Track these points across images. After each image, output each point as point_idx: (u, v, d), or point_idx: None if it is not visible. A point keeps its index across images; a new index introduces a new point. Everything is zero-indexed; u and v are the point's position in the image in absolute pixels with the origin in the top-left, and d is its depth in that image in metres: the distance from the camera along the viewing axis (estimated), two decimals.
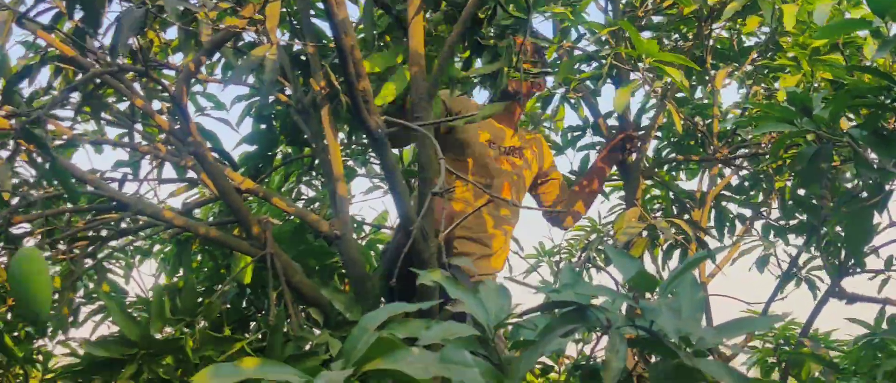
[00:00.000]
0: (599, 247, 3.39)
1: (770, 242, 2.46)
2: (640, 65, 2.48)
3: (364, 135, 3.00)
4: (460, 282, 1.06)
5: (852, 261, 2.52)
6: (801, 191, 2.75)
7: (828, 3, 2.20)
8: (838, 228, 2.52)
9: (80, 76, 2.34)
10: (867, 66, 2.00)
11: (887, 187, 2.12)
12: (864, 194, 2.21)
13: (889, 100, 1.94)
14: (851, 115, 2.25)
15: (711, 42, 2.87)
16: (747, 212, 3.27)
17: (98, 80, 2.48)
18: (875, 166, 2.06)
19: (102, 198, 2.34)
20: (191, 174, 2.67)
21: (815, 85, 2.45)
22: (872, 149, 2.00)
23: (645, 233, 2.66)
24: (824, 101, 1.98)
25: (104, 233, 2.74)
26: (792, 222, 2.92)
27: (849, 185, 2.54)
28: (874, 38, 1.90)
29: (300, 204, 3.37)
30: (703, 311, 1.09)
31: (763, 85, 2.92)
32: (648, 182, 3.49)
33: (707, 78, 2.90)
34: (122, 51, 1.80)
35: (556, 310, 0.97)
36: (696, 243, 2.64)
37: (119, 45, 1.82)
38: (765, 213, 3.16)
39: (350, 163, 3.42)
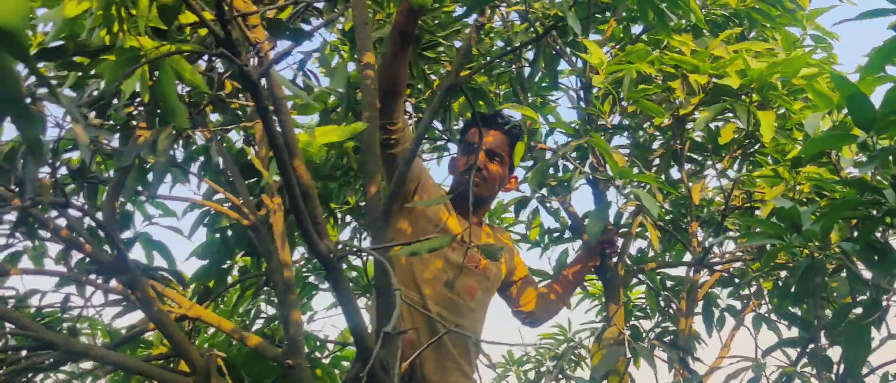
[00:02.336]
0: (572, 356, 3.19)
1: (759, 363, 2.24)
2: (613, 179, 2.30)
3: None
4: None
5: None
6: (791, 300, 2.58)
7: (819, 114, 2.06)
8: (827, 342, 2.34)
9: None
10: (854, 180, 1.86)
11: (884, 302, 1.99)
12: (860, 310, 2.07)
13: (880, 214, 1.82)
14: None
15: (690, 129, 2.71)
16: (737, 305, 3.07)
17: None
18: (869, 281, 1.94)
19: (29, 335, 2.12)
20: None
21: (797, 189, 2.28)
22: (865, 265, 1.88)
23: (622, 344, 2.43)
24: (814, 215, 1.85)
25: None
26: (783, 322, 2.73)
27: (846, 300, 2.36)
28: (861, 151, 1.78)
29: (260, 323, 3.14)
30: None
31: (743, 188, 2.74)
32: (634, 280, 3.30)
33: (687, 181, 2.73)
34: (32, 187, 1.61)
35: None
36: (678, 364, 2.43)
37: (28, 183, 1.64)
38: (755, 307, 2.96)
39: (312, 278, 3.21)
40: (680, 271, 3.22)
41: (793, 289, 2.11)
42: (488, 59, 2.59)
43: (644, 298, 3.54)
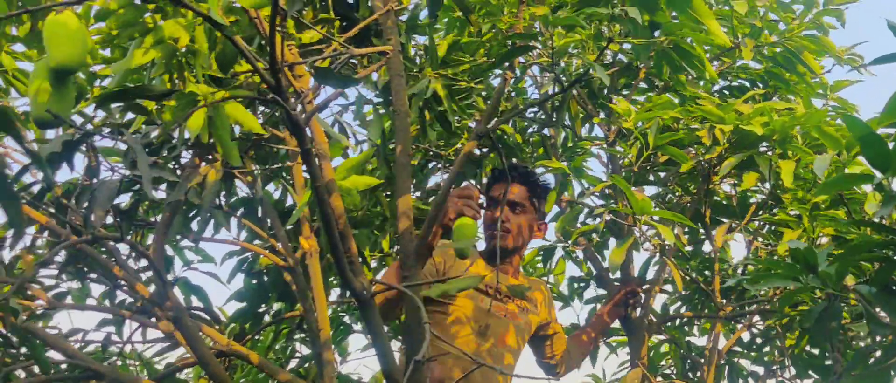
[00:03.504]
0: None
1: None
2: (640, 221, 2.40)
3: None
4: None
5: None
6: (815, 350, 2.63)
7: (827, 156, 2.14)
8: None
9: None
10: (871, 221, 1.92)
11: None
12: (878, 353, 2.10)
13: None
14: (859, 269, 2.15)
15: (714, 197, 2.81)
16: (761, 370, 3.12)
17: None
18: (887, 324, 1.96)
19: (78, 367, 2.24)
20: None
21: (818, 241, 2.36)
22: (882, 307, 1.91)
23: None
24: (830, 258, 1.91)
25: None
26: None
27: (862, 344, 2.41)
28: (877, 193, 1.84)
29: (294, 363, 3.24)
30: None
31: (765, 242, 2.83)
32: (661, 337, 3.36)
33: (711, 233, 2.81)
34: (97, 222, 1.74)
35: None
36: None
37: (95, 216, 1.77)
38: (777, 372, 3.01)
39: (346, 319, 3.32)
40: (705, 340, 3.30)
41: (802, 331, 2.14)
42: (518, 109, 2.72)
43: (669, 361, 3.59)
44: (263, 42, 2.03)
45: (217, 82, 1.75)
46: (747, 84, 3.01)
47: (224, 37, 1.55)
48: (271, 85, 1.61)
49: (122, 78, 1.79)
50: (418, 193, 3.26)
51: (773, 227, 2.76)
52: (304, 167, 2.56)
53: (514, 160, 3.13)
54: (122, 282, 2.45)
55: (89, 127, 2.58)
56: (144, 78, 1.79)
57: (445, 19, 2.86)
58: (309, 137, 1.82)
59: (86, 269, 2.62)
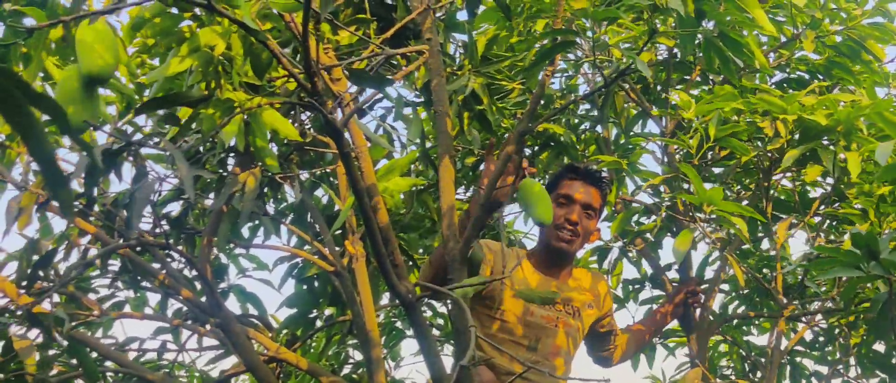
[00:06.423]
0: None
1: None
2: (700, 215, 2.32)
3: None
4: None
5: None
6: (881, 348, 2.52)
7: (890, 144, 2.04)
8: None
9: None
10: None
11: None
12: None
13: None
14: None
15: (773, 192, 2.69)
16: (824, 370, 3.00)
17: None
18: None
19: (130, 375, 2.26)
20: None
21: (883, 235, 2.25)
22: None
23: None
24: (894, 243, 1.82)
25: None
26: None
27: None
28: None
29: (347, 368, 3.23)
30: None
31: (829, 237, 2.71)
32: (717, 337, 3.26)
33: (772, 229, 2.70)
34: (136, 223, 1.75)
35: None
36: None
37: (134, 219, 1.78)
38: (842, 371, 2.89)
39: (398, 324, 3.30)
40: (764, 339, 3.21)
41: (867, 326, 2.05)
42: (561, 107, 2.66)
43: (729, 364, 3.49)
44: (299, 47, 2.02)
45: (253, 89, 1.74)
46: (805, 76, 2.89)
47: (259, 43, 1.53)
48: (307, 89, 1.59)
49: (161, 86, 1.80)
50: (470, 192, 3.21)
51: (835, 222, 2.64)
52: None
53: (566, 159, 3.05)
54: (171, 290, 2.47)
55: (138, 136, 2.62)
56: (183, 86, 1.80)
57: (485, 25, 2.81)
58: (348, 141, 1.80)
59: (139, 278, 2.65)
